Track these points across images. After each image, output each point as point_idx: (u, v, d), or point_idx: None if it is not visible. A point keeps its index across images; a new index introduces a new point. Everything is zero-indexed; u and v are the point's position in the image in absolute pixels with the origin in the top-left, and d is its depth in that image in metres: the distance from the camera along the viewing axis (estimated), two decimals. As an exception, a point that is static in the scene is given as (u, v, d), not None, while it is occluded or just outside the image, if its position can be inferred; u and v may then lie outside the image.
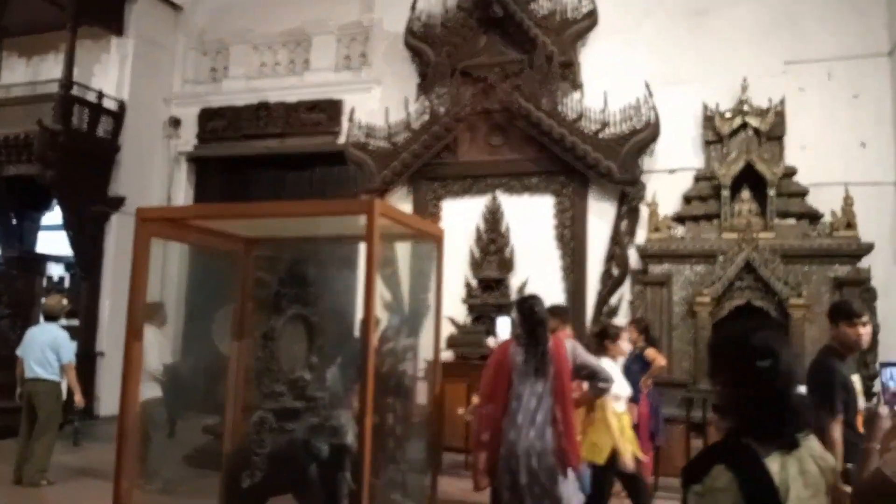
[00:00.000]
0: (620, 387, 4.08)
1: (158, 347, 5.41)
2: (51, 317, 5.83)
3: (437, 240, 3.87)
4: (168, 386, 5.39)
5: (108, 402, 8.41)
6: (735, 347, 1.65)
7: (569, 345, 3.40)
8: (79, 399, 5.78)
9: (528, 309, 3.40)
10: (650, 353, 5.42)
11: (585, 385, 3.65)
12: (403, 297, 7.71)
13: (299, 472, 3.12)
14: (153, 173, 9.74)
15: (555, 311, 4.00)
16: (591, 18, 7.80)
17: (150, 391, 5.28)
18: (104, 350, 8.68)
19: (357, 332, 4.83)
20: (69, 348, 5.67)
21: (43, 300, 6.29)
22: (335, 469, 3.11)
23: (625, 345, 4.50)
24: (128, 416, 2.98)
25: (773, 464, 1.49)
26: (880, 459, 1.92)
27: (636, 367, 5.45)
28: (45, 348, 5.55)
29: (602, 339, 4.34)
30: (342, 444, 3.14)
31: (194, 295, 9.04)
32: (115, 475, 2.83)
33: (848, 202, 6.56)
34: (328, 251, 3.74)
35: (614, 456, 3.93)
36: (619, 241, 7.39)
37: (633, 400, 5.35)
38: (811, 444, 1.58)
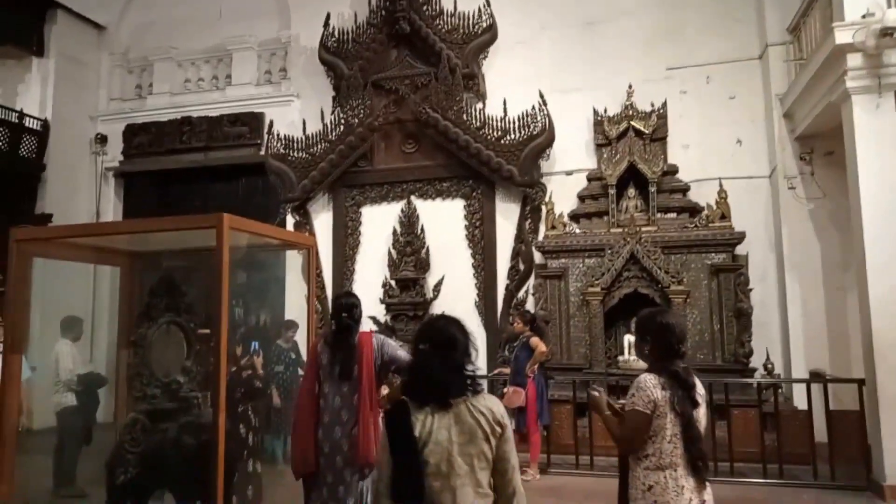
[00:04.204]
0: None
1: (73, 359, 5.67)
2: None
3: (307, 248, 4.24)
4: (82, 395, 5.63)
5: (39, 418, 8.52)
6: (418, 331, 2.09)
7: (376, 341, 3.26)
8: None
9: (339, 308, 3.28)
10: (534, 341, 5.91)
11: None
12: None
13: (172, 467, 3.44)
14: (81, 190, 9.89)
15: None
16: (490, 32, 8.27)
17: (66, 400, 5.57)
18: (36, 366, 8.78)
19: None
20: None
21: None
22: (205, 462, 3.45)
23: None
24: (8, 422, 3.26)
25: (422, 416, 1.89)
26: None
27: (523, 355, 5.95)
28: None
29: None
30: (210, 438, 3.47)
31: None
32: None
33: (721, 195, 7.16)
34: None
35: None
36: (523, 239, 7.89)
37: (521, 384, 5.87)
38: (477, 401, 1.92)
